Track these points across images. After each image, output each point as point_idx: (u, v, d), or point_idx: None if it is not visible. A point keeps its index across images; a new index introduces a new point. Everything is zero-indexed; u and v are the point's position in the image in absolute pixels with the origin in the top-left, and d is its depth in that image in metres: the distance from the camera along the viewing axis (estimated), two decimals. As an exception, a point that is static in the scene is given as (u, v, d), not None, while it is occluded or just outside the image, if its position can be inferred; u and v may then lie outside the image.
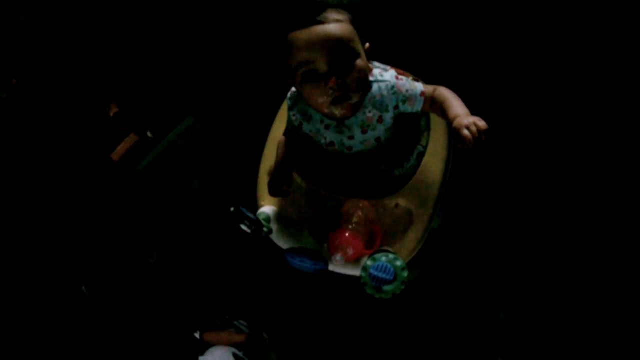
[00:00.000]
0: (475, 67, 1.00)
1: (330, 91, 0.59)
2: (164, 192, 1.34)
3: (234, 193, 1.25)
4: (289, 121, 0.72)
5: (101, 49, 1.38)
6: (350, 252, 0.60)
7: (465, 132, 0.52)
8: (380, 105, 0.66)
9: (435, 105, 0.65)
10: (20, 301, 1.30)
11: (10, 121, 1.41)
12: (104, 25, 1.36)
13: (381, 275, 0.58)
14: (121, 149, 1.35)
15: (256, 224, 0.67)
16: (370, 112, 0.66)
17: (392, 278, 0.58)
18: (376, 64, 0.74)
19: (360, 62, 0.60)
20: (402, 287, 0.59)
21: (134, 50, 1.37)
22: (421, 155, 0.72)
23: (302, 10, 0.58)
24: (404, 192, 0.68)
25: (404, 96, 0.66)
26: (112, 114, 1.39)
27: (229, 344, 1.14)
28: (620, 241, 0.90)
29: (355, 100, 0.62)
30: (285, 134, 0.75)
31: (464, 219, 0.99)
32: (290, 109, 0.70)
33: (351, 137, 0.68)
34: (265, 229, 0.70)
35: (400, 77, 0.67)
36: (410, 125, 0.74)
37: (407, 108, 0.67)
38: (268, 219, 0.72)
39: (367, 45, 0.64)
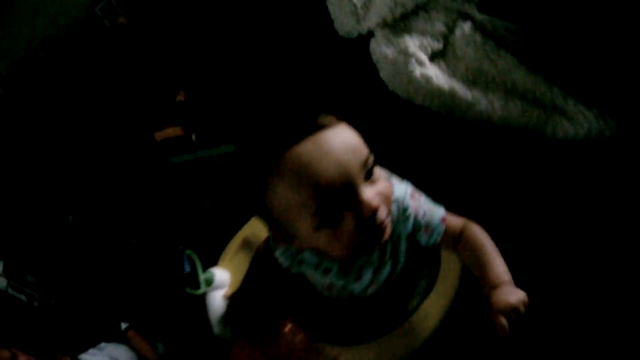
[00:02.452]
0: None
1: (369, 226, 0.41)
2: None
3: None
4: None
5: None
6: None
7: (503, 321, 0.39)
8: (392, 234, 0.48)
9: (463, 248, 0.49)
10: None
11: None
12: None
13: None
14: (166, 133, 1.39)
15: (189, 277, 0.58)
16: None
17: None
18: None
19: (383, 182, 0.44)
20: None
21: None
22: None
23: (296, 114, 0.43)
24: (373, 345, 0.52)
25: (419, 222, 0.49)
26: (176, 100, 1.45)
27: (142, 354, 1.04)
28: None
29: (388, 235, 0.44)
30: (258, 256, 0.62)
31: None
32: (273, 249, 0.54)
33: (359, 278, 0.51)
34: (200, 290, 0.60)
35: (415, 194, 0.51)
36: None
37: (421, 237, 0.50)
38: (210, 282, 0.62)
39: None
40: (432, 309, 0.54)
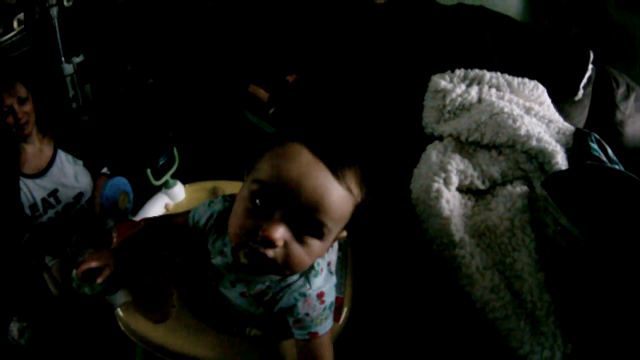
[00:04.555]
0: None
1: (254, 237, 0.43)
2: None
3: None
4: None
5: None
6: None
7: None
8: (274, 295, 0.52)
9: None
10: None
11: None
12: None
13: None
14: (258, 91, 1.57)
15: (158, 167, 0.68)
16: (264, 286, 0.52)
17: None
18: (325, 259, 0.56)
19: (314, 248, 0.45)
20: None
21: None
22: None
23: (327, 141, 0.45)
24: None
25: (296, 318, 0.50)
26: (286, 77, 1.63)
27: None
28: None
29: (260, 267, 0.46)
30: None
31: None
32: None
33: (233, 285, 0.54)
34: (155, 181, 0.70)
35: (323, 297, 0.51)
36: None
37: (295, 329, 0.51)
38: (169, 186, 0.72)
39: (345, 233, 0.50)
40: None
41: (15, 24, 2.48)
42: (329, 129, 0.48)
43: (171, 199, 0.79)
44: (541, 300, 0.62)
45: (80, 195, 1.18)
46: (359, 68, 1.27)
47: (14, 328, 1.11)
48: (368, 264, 0.70)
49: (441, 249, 0.67)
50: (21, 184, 1.11)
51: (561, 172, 0.78)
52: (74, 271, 0.55)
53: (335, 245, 0.63)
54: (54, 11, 2.04)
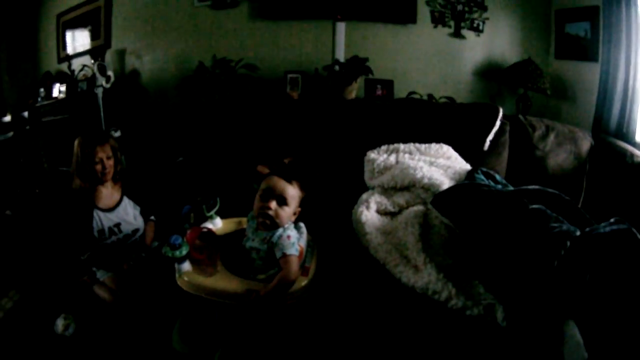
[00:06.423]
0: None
1: (264, 209, 1.10)
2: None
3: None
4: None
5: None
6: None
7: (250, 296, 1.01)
8: (270, 237, 1.10)
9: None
10: None
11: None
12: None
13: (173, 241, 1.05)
14: (264, 170, 2.21)
15: (209, 204, 1.25)
16: (267, 236, 1.11)
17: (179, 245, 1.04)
18: (303, 227, 1.18)
19: (286, 210, 1.10)
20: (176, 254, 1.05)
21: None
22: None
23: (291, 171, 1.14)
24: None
25: (277, 244, 1.08)
26: (284, 160, 2.29)
27: None
28: None
29: (268, 222, 1.10)
30: None
31: None
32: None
33: (253, 240, 1.14)
34: (207, 212, 1.26)
35: (290, 237, 1.09)
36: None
37: (276, 251, 1.08)
38: (212, 217, 1.27)
39: (299, 209, 1.14)
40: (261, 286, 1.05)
41: (55, 91, 2.77)
42: (284, 170, 1.13)
43: (214, 226, 1.31)
44: (419, 256, 1.12)
45: (136, 230, 1.59)
46: (330, 151, 1.93)
47: (60, 323, 1.36)
48: (327, 251, 1.23)
49: (360, 237, 1.22)
50: (95, 214, 1.51)
51: (440, 192, 1.32)
52: (165, 245, 1.06)
53: (305, 234, 1.17)
54: (100, 91, 2.40)
